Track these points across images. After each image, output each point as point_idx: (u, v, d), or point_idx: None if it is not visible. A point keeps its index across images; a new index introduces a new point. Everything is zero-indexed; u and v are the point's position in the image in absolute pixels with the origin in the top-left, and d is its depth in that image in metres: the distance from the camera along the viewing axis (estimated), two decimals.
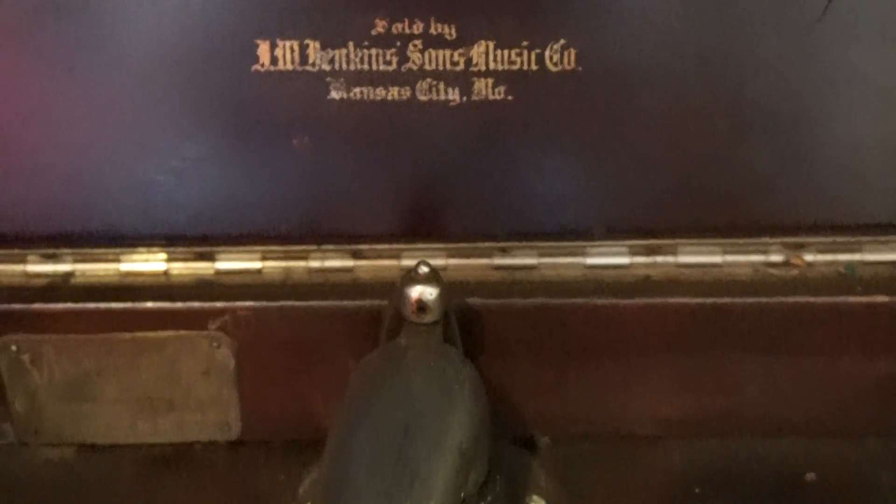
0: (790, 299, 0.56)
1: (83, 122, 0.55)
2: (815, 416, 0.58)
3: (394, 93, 0.54)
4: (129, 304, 0.56)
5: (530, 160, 0.56)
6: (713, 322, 0.56)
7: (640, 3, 0.53)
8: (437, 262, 0.57)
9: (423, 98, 0.54)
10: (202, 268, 0.58)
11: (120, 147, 0.56)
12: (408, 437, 0.43)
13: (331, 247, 0.58)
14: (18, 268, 0.58)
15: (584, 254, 0.58)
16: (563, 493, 0.56)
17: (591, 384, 0.58)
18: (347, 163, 0.56)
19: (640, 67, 0.54)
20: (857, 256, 0.58)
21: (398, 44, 0.53)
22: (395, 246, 0.57)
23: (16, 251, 0.57)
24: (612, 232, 0.58)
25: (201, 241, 0.57)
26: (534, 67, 0.54)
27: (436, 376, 0.46)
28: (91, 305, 0.56)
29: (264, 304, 0.56)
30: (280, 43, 0.53)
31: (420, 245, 0.57)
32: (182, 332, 0.56)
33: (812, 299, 0.56)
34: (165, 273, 0.58)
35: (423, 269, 0.48)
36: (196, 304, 0.56)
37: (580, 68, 0.54)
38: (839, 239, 0.58)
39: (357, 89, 0.54)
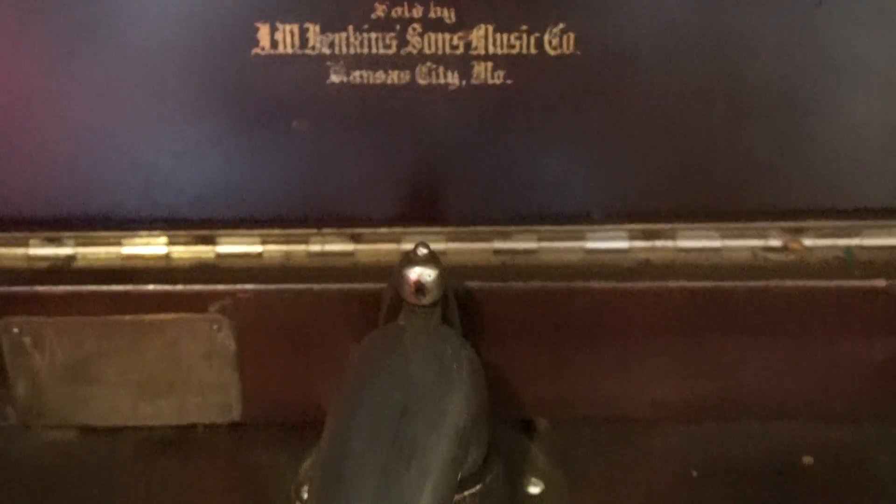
0: (788, 283, 0.56)
1: (84, 107, 0.55)
2: (812, 399, 0.58)
3: (393, 77, 0.54)
4: (130, 287, 0.56)
5: (530, 144, 0.56)
6: (712, 305, 0.57)
7: None
8: (437, 246, 0.57)
9: (422, 82, 0.54)
10: (203, 251, 0.58)
11: (121, 131, 0.56)
12: (405, 417, 0.43)
13: (331, 230, 0.58)
14: (20, 251, 0.58)
15: (583, 238, 0.58)
16: (562, 475, 0.57)
17: (589, 368, 0.58)
18: (347, 147, 0.56)
19: (639, 52, 0.54)
20: (855, 241, 0.58)
21: (398, 27, 0.53)
22: (395, 230, 0.58)
23: (18, 234, 0.57)
24: (612, 216, 0.58)
25: (202, 225, 0.57)
26: (533, 51, 0.54)
27: (434, 357, 0.46)
28: (92, 288, 0.56)
29: (265, 286, 0.56)
30: (280, 26, 0.53)
31: (420, 229, 0.58)
32: (183, 315, 0.56)
33: (810, 283, 0.56)
34: (166, 256, 0.58)
35: (422, 251, 0.48)
36: (197, 287, 0.56)
37: (579, 52, 0.54)
38: (838, 223, 0.58)
39: (356, 73, 0.54)
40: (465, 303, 0.55)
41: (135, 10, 0.53)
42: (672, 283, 0.56)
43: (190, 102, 0.55)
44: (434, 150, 0.56)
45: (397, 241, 0.58)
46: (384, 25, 0.53)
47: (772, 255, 0.58)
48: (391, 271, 0.52)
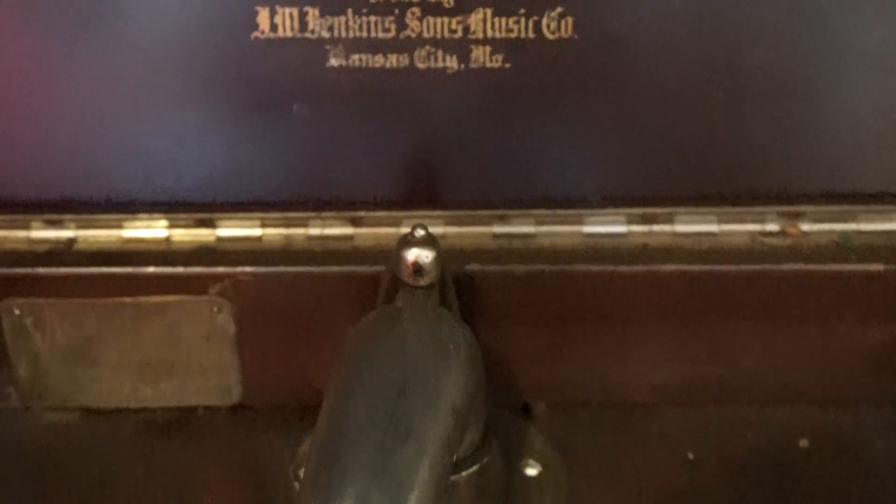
0: (786, 267, 0.57)
1: (85, 90, 0.55)
2: (809, 383, 0.59)
3: (392, 60, 0.54)
4: (130, 269, 0.57)
5: (528, 128, 0.56)
6: (709, 289, 0.57)
7: None
8: (436, 230, 0.57)
9: (421, 66, 0.55)
10: (203, 235, 0.58)
11: (121, 115, 0.56)
12: (402, 395, 0.43)
13: (330, 214, 0.58)
14: (22, 234, 0.58)
15: (581, 222, 0.58)
16: (559, 458, 0.57)
17: (587, 351, 0.58)
18: (346, 130, 0.56)
19: (637, 36, 0.54)
20: (852, 226, 0.58)
21: (396, 11, 0.54)
22: (394, 214, 0.58)
23: (19, 217, 0.58)
24: (610, 201, 0.58)
25: (202, 208, 0.58)
26: (531, 35, 0.54)
27: (431, 337, 0.47)
28: (93, 270, 0.57)
29: (265, 269, 0.56)
30: (279, 10, 0.53)
31: (418, 213, 0.58)
32: (183, 297, 0.57)
33: (808, 267, 0.56)
34: (167, 240, 0.58)
35: (420, 233, 0.48)
36: (197, 270, 0.56)
37: (577, 36, 0.54)
38: (835, 208, 0.58)
39: (356, 56, 0.54)
40: (463, 286, 0.56)
41: None
42: (670, 267, 0.57)
43: (190, 86, 0.55)
44: (433, 134, 0.57)
45: (396, 224, 0.58)
46: (383, 9, 0.53)
47: (769, 240, 0.58)
48: (390, 255, 0.53)
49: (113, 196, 0.58)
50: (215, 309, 0.57)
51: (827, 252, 0.58)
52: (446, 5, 0.53)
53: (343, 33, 0.54)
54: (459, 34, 0.54)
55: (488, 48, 0.54)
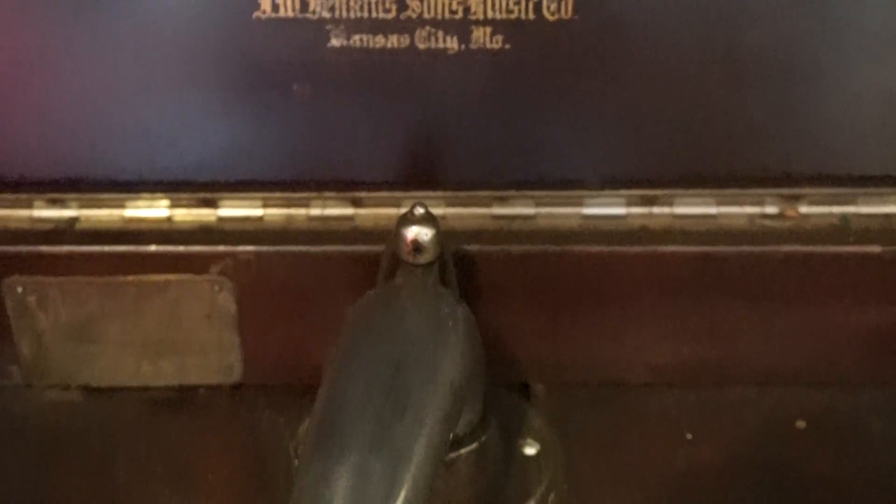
0: (784, 248, 0.57)
1: (87, 70, 0.56)
2: (806, 365, 0.59)
3: (393, 41, 0.55)
4: (132, 248, 0.57)
5: (528, 110, 0.57)
6: (708, 270, 0.57)
7: None
8: (436, 210, 0.57)
9: (421, 46, 0.55)
10: (204, 214, 0.59)
11: (124, 94, 0.56)
12: (400, 370, 0.44)
13: (331, 194, 0.58)
14: (24, 213, 0.59)
15: (581, 204, 0.59)
16: (557, 437, 0.57)
17: (586, 332, 0.59)
18: (347, 111, 0.57)
19: (636, 17, 0.54)
20: (851, 209, 0.59)
21: None
22: (394, 194, 0.58)
23: (22, 196, 0.58)
24: (609, 182, 0.58)
25: (204, 188, 0.58)
26: (531, 16, 0.54)
27: (430, 314, 0.47)
28: (95, 248, 0.57)
29: (266, 248, 0.57)
30: None
31: (419, 193, 0.58)
32: (184, 276, 0.57)
33: (806, 248, 0.57)
34: (168, 219, 0.59)
35: (419, 211, 0.49)
36: (198, 248, 0.57)
37: (577, 17, 0.54)
38: (834, 191, 0.58)
39: (357, 37, 0.55)
40: (462, 266, 0.56)
41: None
42: (669, 248, 0.57)
43: (192, 66, 0.56)
44: (433, 114, 0.57)
45: (397, 205, 0.58)
46: None
47: (768, 222, 0.59)
48: (390, 235, 0.53)
49: (115, 176, 0.58)
50: (216, 288, 0.57)
51: (825, 234, 0.58)
52: None
53: (344, 13, 0.54)
54: (460, 15, 0.54)
55: (489, 29, 0.55)
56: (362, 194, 0.58)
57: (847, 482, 0.55)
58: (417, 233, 0.49)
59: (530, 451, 0.57)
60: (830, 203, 0.59)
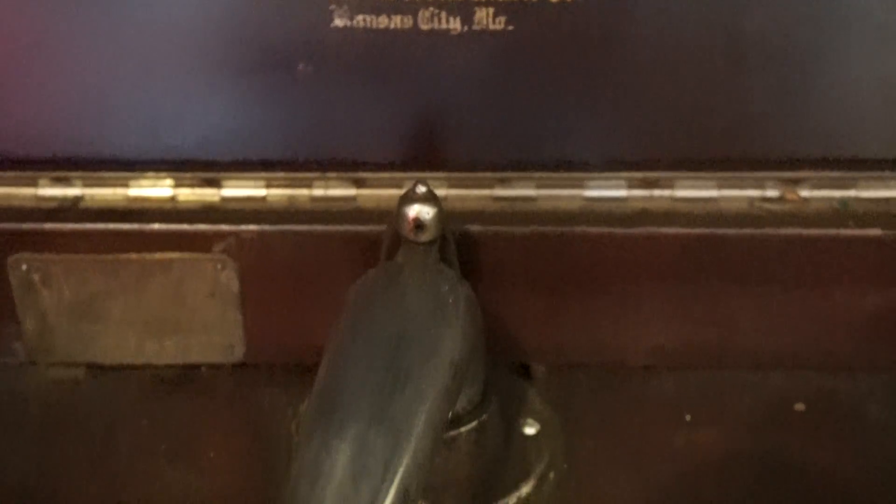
0: (784, 231, 0.57)
1: (92, 49, 0.56)
2: (806, 348, 0.59)
3: (396, 21, 0.55)
4: (136, 226, 0.57)
5: (530, 91, 0.57)
6: (708, 253, 0.57)
7: None
8: (438, 192, 0.56)
9: (424, 27, 0.55)
10: (208, 194, 0.59)
11: (129, 74, 0.57)
12: (401, 346, 0.44)
13: (334, 175, 0.59)
14: (29, 191, 0.59)
15: (582, 186, 0.59)
16: (557, 418, 0.58)
17: (586, 313, 0.59)
18: (350, 91, 0.57)
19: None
20: (851, 192, 0.59)
21: None
22: (396, 175, 0.59)
23: (26, 174, 0.59)
24: (611, 165, 0.59)
25: (207, 167, 0.59)
26: None
27: (430, 291, 0.47)
28: (99, 226, 0.57)
29: (269, 227, 0.57)
30: None
31: (421, 174, 0.58)
32: (188, 255, 0.58)
33: (806, 231, 0.57)
34: (172, 199, 0.59)
35: (421, 189, 0.49)
36: (202, 227, 0.57)
37: None
38: (835, 174, 0.58)
39: (360, 17, 0.55)
40: (464, 246, 0.56)
41: None
42: (669, 230, 0.57)
43: (196, 45, 0.56)
44: (436, 95, 0.57)
45: (399, 186, 0.58)
46: None
47: (768, 206, 0.59)
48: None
49: (119, 154, 0.58)
50: (219, 267, 0.58)
51: (825, 218, 0.58)
52: None
53: None
54: None
55: (491, 10, 0.55)
56: (365, 175, 0.59)
57: (845, 465, 0.56)
58: (419, 211, 0.49)
59: (530, 430, 0.57)
60: (831, 187, 0.59)
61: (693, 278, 0.58)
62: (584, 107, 0.58)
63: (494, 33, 0.55)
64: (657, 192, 0.59)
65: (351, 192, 0.59)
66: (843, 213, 0.58)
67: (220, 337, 0.60)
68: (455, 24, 0.55)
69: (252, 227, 0.57)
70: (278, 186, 0.59)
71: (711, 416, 0.58)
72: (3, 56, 0.56)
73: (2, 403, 0.60)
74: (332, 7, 0.54)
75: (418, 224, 0.49)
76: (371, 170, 0.59)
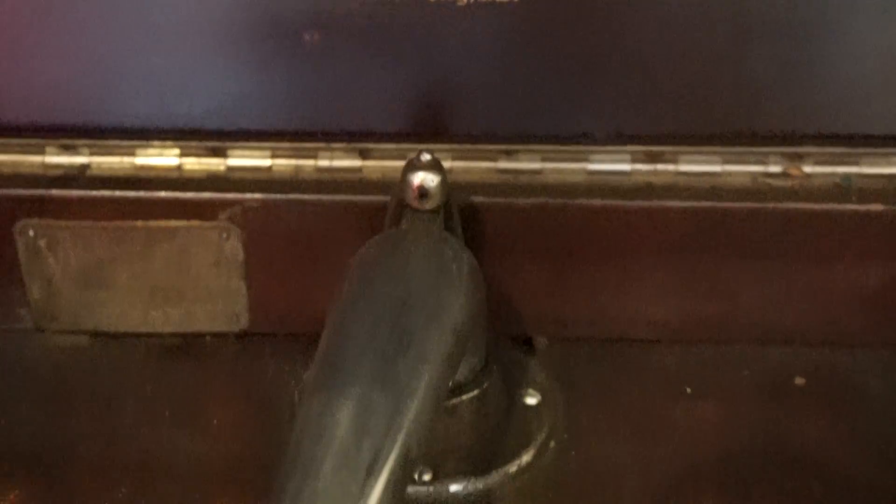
0: (787, 205, 0.57)
1: (100, 16, 0.56)
2: (807, 322, 0.59)
3: None
4: (142, 193, 0.58)
5: (536, 64, 0.57)
6: (711, 226, 0.58)
7: None
8: (443, 164, 0.58)
9: None
10: (214, 164, 0.60)
11: (136, 43, 0.57)
12: (404, 310, 0.44)
13: (339, 145, 0.59)
14: (37, 159, 0.60)
15: (586, 160, 0.59)
16: (558, 389, 0.58)
17: (589, 286, 0.59)
18: (356, 62, 0.57)
19: None
20: (854, 169, 0.59)
21: None
22: (402, 146, 0.59)
23: (34, 141, 0.59)
24: (615, 138, 0.59)
25: (213, 136, 0.59)
26: None
27: (434, 257, 0.48)
28: (106, 193, 0.58)
29: (273, 196, 0.58)
30: None
31: (426, 146, 0.58)
32: (193, 223, 0.58)
33: (808, 206, 0.57)
34: (178, 168, 0.60)
35: (426, 157, 0.49)
36: (207, 195, 0.58)
37: None
38: (838, 150, 0.59)
39: None
40: (468, 218, 0.57)
41: None
42: (672, 203, 0.57)
43: (203, 14, 0.56)
44: (441, 67, 0.57)
45: (404, 157, 0.58)
46: None
47: (771, 181, 0.59)
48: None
49: (126, 123, 0.59)
50: (224, 235, 0.58)
51: (828, 194, 0.58)
52: None
53: None
54: None
55: None
56: (370, 146, 0.59)
57: (843, 439, 0.56)
58: (423, 178, 0.49)
59: (531, 401, 0.57)
60: (834, 163, 0.59)
61: (695, 252, 0.58)
62: (589, 80, 0.58)
63: (501, 5, 0.55)
64: (661, 167, 0.59)
65: (356, 163, 0.59)
66: (847, 190, 0.59)
67: (225, 305, 0.60)
68: None
69: (257, 195, 0.57)
70: (284, 157, 0.59)
71: (711, 389, 0.58)
72: (11, 25, 0.57)
73: (8, 370, 0.60)
74: None
75: (422, 191, 0.49)
76: (376, 141, 0.59)
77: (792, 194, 0.58)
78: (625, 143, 0.59)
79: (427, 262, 0.47)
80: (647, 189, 0.59)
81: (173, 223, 0.58)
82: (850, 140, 0.58)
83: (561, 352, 0.61)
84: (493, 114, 0.59)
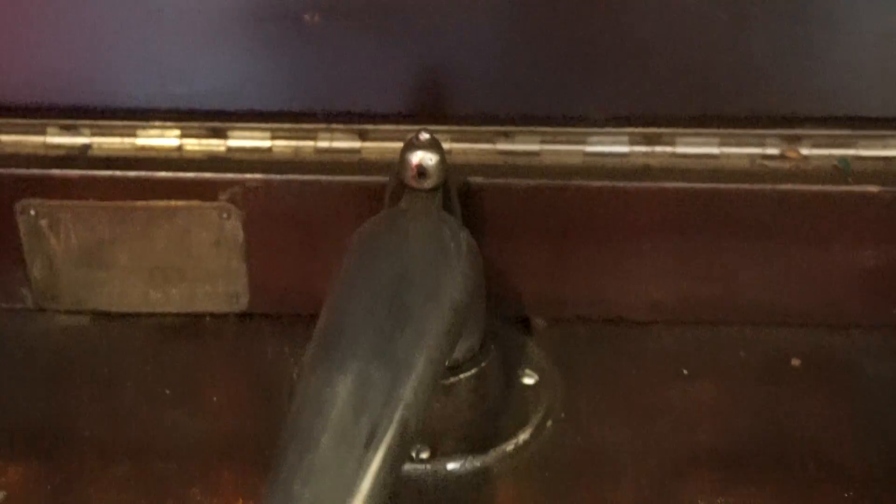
0: (784, 187, 0.58)
1: None
2: (804, 303, 0.60)
3: None
4: (143, 174, 0.58)
5: (534, 47, 0.58)
6: (709, 208, 0.58)
7: None
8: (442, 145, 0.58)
9: None
10: (214, 145, 0.60)
11: (137, 23, 0.57)
12: (403, 287, 0.45)
13: (339, 126, 0.59)
14: (38, 139, 0.60)
15: (584, 142, 0.60)
16: (556, 369, 0.59)
17: (586, 268, 0.60)
18: (356, 43, 0.57)
19: None
20: (851, 151, 0.59)
21: None
22: (401, 127, 0.59)
23: (35, 121, 0.59)
24: (613, 120, 0.59)
25: (214, 117, 0.59)
26: None
27: (433, 235, 0.48)
28: (107, 173, 0.58)
29: (273, 176, 0.58)
30: None
31: (425, 128, 0.59)
32: (193, 203, 0.58)
33: (805, 187, 0.58)
34: (179, 148, 0.60)
35: (424, 136, 0.50)
36: (207, 175, 0.58)
37: None
38: (835, 132, 0.59)
39: None
40: (466, 199, 0.57)
41: None
42: (670, 184, 0.58)
43: None
44: (440, 49, 0.58)
45: (403, 138, 0.58)
46: None
47: (769, 163, 0.59)
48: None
49: (127, 104, 0.59)
50: (224, 215, 0.58)
51: (824, 175, 0.59)
52: None
53: None
54: None
55: None
56: (369, 127, 0.59)
57: (839, 420, 0.56)
58: (422, 157, 0.50)
59: (529, 380, 0.58)
60: (831, 145, 0.59)
61: (693, 234, 0.59)
62: (587, 63, 0.58)
63: None
64: (659, 149, 0.60)
65: (355, 144, 0.60)
66: (844, 172, 0.59)
67: (225, 286, 0.60)
68: None
69: (257, 175, 0.58)
70: (283, 138, 0.60)
71: (708, 370, 0.59)
72: (12, 6, 0.57)
73: (9, 349, 0.60)
74: None
75: (421, 170, 0.50)
76: (376, 122, 0.59)
77: (789, 176, 0.58)
78: (622, 126, 0.59)
79: (425, 240, 0.47)
80: (645, 171, 0.59)
81: (174, 203, 0.58)
82: (847, 123, 0.59)
83: (559, 332, 0.61)
84: (491, 96, 0.59)
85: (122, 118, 0.59)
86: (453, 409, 0.53)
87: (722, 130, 0.59)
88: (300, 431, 0.40)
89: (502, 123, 0.59)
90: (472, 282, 0.48)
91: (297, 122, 0.59)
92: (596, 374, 0.59)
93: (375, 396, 0.41)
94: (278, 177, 0.58)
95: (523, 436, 0.55)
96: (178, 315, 0.61)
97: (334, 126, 0.59)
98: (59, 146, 0.60)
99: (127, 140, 0.60)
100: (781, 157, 0.60)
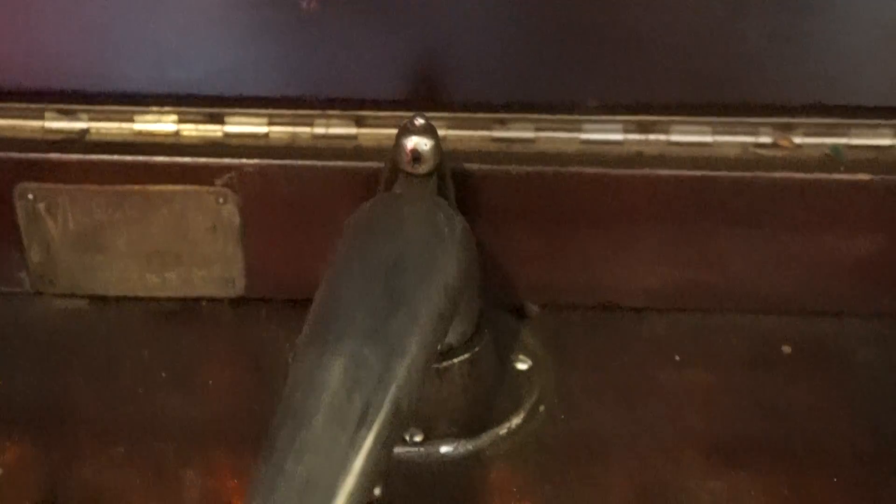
0: (776, 175, 0.58)
1: None
2: (795, 291, 0.60)
3: None
4: (140, 158, 0.58)
5: (530, 34, 0.58)
6: (702, 195, 0.58)
7: None
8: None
9: None
10: (211, 130, 0.60)
11: (135, 8, 0.58)
12: (397, 270, 0.45)
13: (335, 112, 0.60)
14: (36, 123, 0.60)
15: (579, 129, 0.60)
16: (549, 355, 0.59)
17: (581, 254, 0.60)
18: (353, 30, 0.58)
19: None
20: (843, 140, 0.60)
21: None
22: (396, 114, 0.59)
23: (34, 106, 0.60)
24: (608, 108, 0.60)
25: (211, 102, 0.60)
26: None
27: (427, 219, 0.48)
28: (104, 158, 0.58)
29: (270, 161, 0.58)
30: None
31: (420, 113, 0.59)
32: (190, 188, 0.59)
33: (797, 175, 0.58)
34: (176, 133, 0.60)
35: (419, 121, 0.50)
36: (204, 160, 0.58)
37: None
38: (827, 121, 0.59)
39: None
40: (461, 185, 0.57)
41: None
42: (664, 172, 0.58)
43: None
44: (437, 36, 0.58)
45: (399, 125, 0.59)
46: None
47: (762, 151, 0.60)
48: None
49: (125, 89, 0.59)
50: (221, 200, 0.59)
51: (817, 164, 0.59)
52: None
53: None
54: None
55: None
56: (366, 113, 0.60)
57: (829, 407, 0.57)
58: (417, 142, 0.50)
59: (522, 366, 0.58)
60: (823, 134, 0.60)
61: (686, 221, 0.59)
62: (582, 51, 0.59)
63: None
64: (653, 137, 0.60)
65: (352, 130, 0.60)
66: (835, 160, 0.59)
67: (221, 270, 0.61)
68: None
69: (254, 160, 0.58)
70: (280, 124, 0.60)
71: (700, 357, 0.59)
72: None
73: (7, 333, 0.61)
74: None
75: (416, 155, 0.50)
76: (372, 108, 0.60)
77: (782, 164, 0.59)
78: (617, 113, 0.60)
79: (420, 224, 0.48)
80: (639, 158, 0.60)
81: (171, 188, 0.59)
82: (840, 111, 0.59)
83: (552, 318, 0.61)
84: (487, 83, 0.59)
85: (120, 103, 0.60)
86: (447, 393, 0.54)
87: (715, 119, 0.59)
88: (293, 410, 0.40)
89: (497, 111, 0.60)
90: (465, 266, 0.49)
91: (293, 107, 0.60)
92: (589, 359, 0.59)
93: (368, 377, 0.41)
94: (275, 162, 0.58)
95: (516, 420, 0.55)
96: (174, 299, 0.62)
97: (331, 112, 0.60)
98: (57, 130, 0.60)
99: (125, 125, 0.60)
100: (774, 145, 0.60)
